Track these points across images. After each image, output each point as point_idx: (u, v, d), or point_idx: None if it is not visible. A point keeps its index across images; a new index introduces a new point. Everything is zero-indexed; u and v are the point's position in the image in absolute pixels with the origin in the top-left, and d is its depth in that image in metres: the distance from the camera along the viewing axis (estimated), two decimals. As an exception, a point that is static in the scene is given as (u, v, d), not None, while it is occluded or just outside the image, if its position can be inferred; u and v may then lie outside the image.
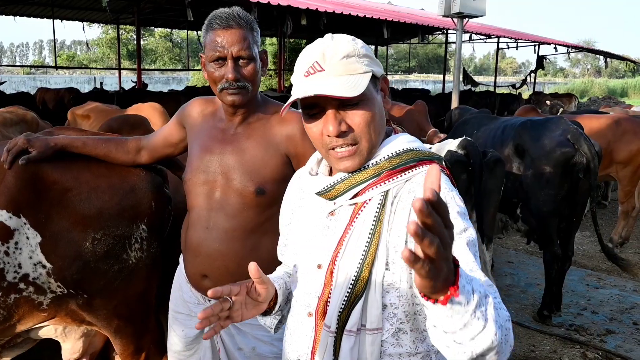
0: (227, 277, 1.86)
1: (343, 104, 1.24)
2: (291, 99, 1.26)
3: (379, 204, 1.26)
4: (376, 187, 1.27)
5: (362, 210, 1.28)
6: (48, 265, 1.97)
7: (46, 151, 1.98)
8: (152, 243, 2.16)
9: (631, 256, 6.18)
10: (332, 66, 1.23)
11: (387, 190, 1.27)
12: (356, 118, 1.25)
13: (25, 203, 1.92)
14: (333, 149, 1.27)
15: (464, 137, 3.67)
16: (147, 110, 5.82)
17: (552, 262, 4.33)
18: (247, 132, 1.89)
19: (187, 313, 2.04)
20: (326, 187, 1.31)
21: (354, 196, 1.29)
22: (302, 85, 1.25)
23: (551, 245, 4.29)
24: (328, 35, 1.30)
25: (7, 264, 1.92)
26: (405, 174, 1.27)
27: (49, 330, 2.24)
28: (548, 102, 7.32)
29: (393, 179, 1.27)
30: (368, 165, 1.29)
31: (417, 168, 1.28)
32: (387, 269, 1.23)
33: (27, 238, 1.93)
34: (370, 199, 1.28)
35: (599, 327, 4.35)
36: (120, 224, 2.07)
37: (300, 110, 1.90)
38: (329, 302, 1.27)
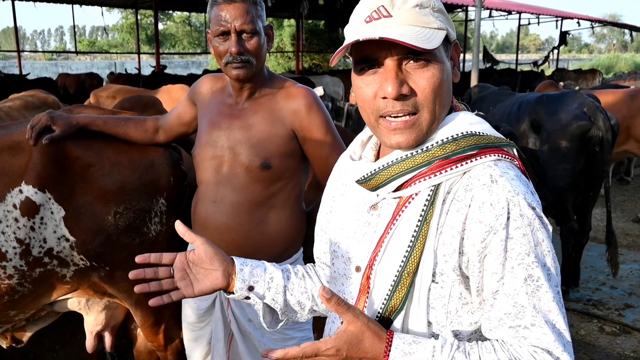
0: (234, 250, 1.91)
1: (408, 61, 1.03)
2: (346, 43, 1.04)
3: (426, 200, 1.04)
4: (425, 179, 1.04)
5: (406, 207, 1.07)
6: (71, 238, 2.05)
7: (68, 129, 2.05)
8: (170, 217, 2.23)
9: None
10: (402, 13, 1.02)
11: (439, 184, 1.04)
12: (421, 81, 1.03)
13: (50, 178, 2.00)
14: (385, 116, 1.05)
15: (476, 112, 3.66)
16: (178, 92, 5.91)
17: (569, 237, 4.33)
18: (253, 107, 1.93)
19: None
20: (367, 175, 1.10)
21: (398, 188, 1.08)
22: (361, 31, 1.03)
23: (568, 220, 4.28)
24: None
25: (32, 239, 2.00)
26: (462, 165, 1.03)
27: (72, 302, 2.32)
28: (562, 84, 7.20)
29: (446, 171, 1.03)
30: (417, 152, 1.06)
31: (478, 158, 1.04)
32: (434, 281, 1.04)
33: (52, 213, 2.01)
34: (417, 193, 1.06)
35: (617, 302, 4.34)
36: (140, 198, 2.14)
37: (305, 86, 1.94)
38: (365, 313, 1.08)
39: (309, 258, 2.09)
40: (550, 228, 1.02)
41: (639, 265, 5.13)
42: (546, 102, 4.36)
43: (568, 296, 4.38)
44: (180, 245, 2.32)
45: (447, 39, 1.07)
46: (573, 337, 3.80)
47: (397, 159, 1.07)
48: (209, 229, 1.95)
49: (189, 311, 2.15)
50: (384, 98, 1.03)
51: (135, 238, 2.14)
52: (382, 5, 1.02)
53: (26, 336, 2.41)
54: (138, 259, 1.19)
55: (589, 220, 4.46)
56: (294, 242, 2.02)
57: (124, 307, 2.42)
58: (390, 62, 1.02)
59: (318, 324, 2.31)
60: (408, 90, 1.02)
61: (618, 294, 4.50)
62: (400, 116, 1.04)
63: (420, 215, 1.04)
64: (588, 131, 4.06)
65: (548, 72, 17.94)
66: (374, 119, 1.07)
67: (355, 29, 1.05)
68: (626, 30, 22.72)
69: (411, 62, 1.02)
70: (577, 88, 7.73)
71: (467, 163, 1.03)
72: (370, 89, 1.05)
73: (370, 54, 1.04)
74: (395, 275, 1.05)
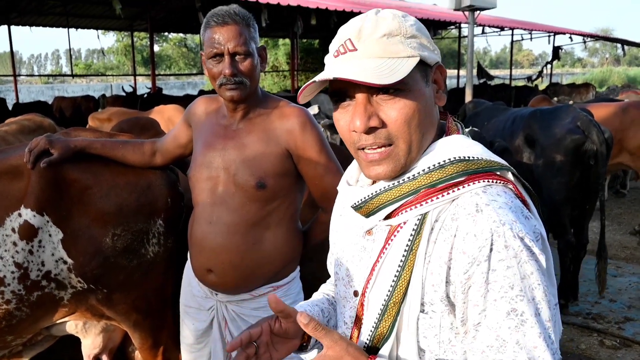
0: (231, 271, 1.92)
1: (378, 93, 1.01)
2: (309, 82, 1.05)
3: (413, 230, 1.02)
4: (411, 208, 1.02)
5: (395, 235, 1.05)
6: (69, 261, 2.05)
7: (66, 152, 2.06)
8: (168, 238, 2.24)
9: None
10: (367, 46, 1.00)
11: (426, 213, 1.02)
12: (392, 112, 1.01)
13: (48, 201, 2.01)
14: (362, 149, 1.04)
15: (470, 127, 3.71)
16: (170, 112, 5.93)
17: (566, 251, 4.33)
18: (248, 128, 1.94)
19: (196, 307, 2.09)
20: (359, 202, 1.09)
21: (388, 216, 1.06)
22: (328, 67, 1.04)
23: (565, 233, 4.30)
24: (373, 10, 1.05)
25: (31, 262, 2.00)
26: (448, 194, 1.00)
27: (69, 326, 2.32)
28: (555, 99, 7.24)
29: (432, 200, 1.01)
30: (403, 180, 1.04)
31: (466, 185, 1.00)
32: (422, 311, 1.01)
33: (50, 235, 2.02)
34: (405, 222, 1.04)
35: (616, 315, 4.34)
36: (138, 220, 2.14)
37: (299, 106, 1.97)
38: (359, 339, 1.09)
39: (305, 277, 2.10)
40: (543, 258, 0.96)
41: (637, 278, 5.13)
42: (540, 117, 4.40)
43: (567, 310, 4.38)
44: (177, 267, 2.33)
45: (425, 63, 1.04)
46: (573, 352, 3.83)
47: (384, 188, 1.06)
48: (205, 250, 1.95)
49: (187, 332, 2.14)
50: (355, 131, 1.03)
51: (132, 260, 2.15)
52: (349, 39, 1.02)
53: (23, 361, 2.40)
54: (229, 348, 1.12)
55: (586, 234, 4.47)
56: (291, 261, 2.03)
57: (122, 330, 2.41)
58: (359, 96, 1.02)
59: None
60: (379, 122, 1.01)
61: (617, 307, 4.49)
62: (375, 148, 1.03)
63: (407, 245, 1.02)
64: (582, 145, 4.09)
65: (542, 87, 18.07)
66: (353, 151, 1.08)
67: (327, 63, 1.06)
68: (618, 44, 22.97)
69: (380, 94, 1.01)
70: (570, 102, 7.82)
71: (454, 191, 1.00)
72: (344, 122, 1.05)
73: (341, 87, 1.03)
74: (382, 305, 1.04)
